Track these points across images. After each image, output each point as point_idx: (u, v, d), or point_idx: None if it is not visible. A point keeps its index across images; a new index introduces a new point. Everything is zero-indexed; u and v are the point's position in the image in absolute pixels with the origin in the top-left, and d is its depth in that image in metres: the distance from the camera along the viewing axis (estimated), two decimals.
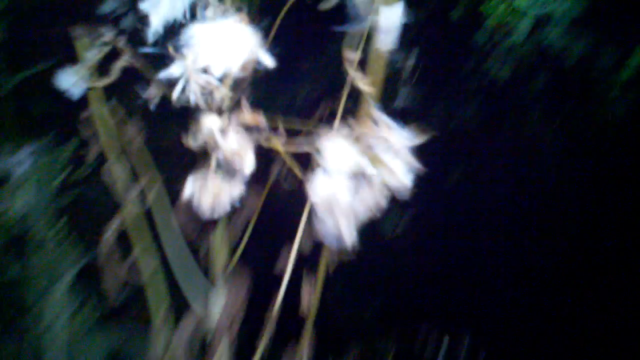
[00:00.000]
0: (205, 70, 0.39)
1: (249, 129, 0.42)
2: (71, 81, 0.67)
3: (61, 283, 1.12)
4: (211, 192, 0.43)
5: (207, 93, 0.40)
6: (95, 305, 1.17)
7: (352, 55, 0.40)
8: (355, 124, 0.40)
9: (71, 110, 0.74)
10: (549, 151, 2.71)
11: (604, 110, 2.60)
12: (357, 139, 0.40)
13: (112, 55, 0.66)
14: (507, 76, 2.71)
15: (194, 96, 0.39)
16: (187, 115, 0.63)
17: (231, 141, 0.41)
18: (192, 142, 0.41)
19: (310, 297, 0.68)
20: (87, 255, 1.13)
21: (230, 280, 0.88)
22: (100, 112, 0.71)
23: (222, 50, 0.38)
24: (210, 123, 0.40)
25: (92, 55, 0.65)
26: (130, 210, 0.76)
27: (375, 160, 0.39)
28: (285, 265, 0.88)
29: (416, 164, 0.40)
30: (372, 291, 2.15)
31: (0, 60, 1.17)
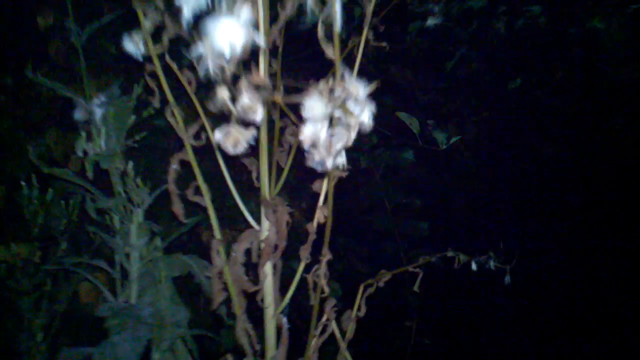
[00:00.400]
0: (219, 53, 0.59)
1: (257, 88, 0.62)
2: (133, 46, 0.88)
3: (139, 212, 1.36)
4: (232, 137, 0.63)
5: (220, 69, 0.60)
6: (162, 237, 1.42)
7: (322, 33, 0.60)
8: (332, 82, 0.61)
9: (131, 61, 0.96)
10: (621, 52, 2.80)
11: None
12: (330, 93, 0.60)
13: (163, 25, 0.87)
14: None
15: (212, 72, 0.59)
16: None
17: (244, 98, 0.61)
18: (212, 106, 0.61)
19: (324, 210, 0.90)
20: (154, 192, 1.37)
21: (277, 201, 1.10)
22: (159, 67, 0.94)
23: (228, 37, 0.58)
24: (222, 93, 0.60)
25: (149, 23, 0.87)
26: (190, 145, 1.00)
27: (343, 107, 0.60)
28: (320, 185, 1.09)
29: (372, 108, 0.60)
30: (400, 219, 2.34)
31: (70, 14, 1.38)
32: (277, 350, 1.10)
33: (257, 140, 1.07)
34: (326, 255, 0.97)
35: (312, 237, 1.05)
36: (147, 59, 0.92)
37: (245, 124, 0.63)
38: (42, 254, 1.51)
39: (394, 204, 2.30)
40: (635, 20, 2.89)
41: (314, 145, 0.61)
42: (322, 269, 0.97)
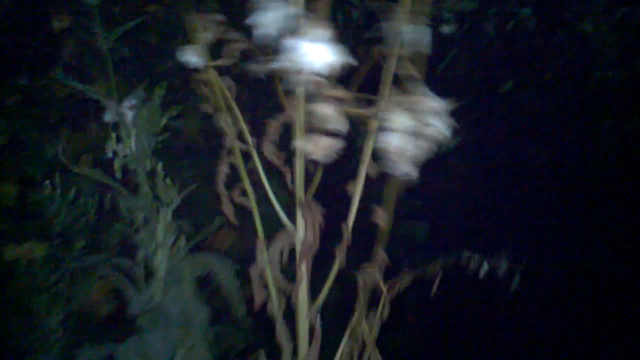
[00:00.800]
0: (302, 69, 0.65)
1: (337, 100, 0.68)
2: (192, 58, 0.94)
3: (164, 212, 1.41)
4: (320, 146, 0.70)
5: (307, 84, 0.66)
6: (188, 237, 1.47)
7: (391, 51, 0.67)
8: (405, 94, 0.67)
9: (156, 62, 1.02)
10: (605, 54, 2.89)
11: None
12: (408, 106, 0.66)
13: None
14: None
15: (298, 86, 0.65)
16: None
17: (326, 109, 0.68)
18: (312, 119, 0.67)
19: (383, 214, 0.95)
20: (182, 194, 1.42)
21: (311, 204, 1.16)
22: (210, 77, 1.00)
23: (314, 55, 0.65)
24: (318, 108, 0.66)
25: (206, 36, 0.92)
26: (235, 149, 1.06)
27: (421, 120, 0.66)
28: (354, 189, 1.15)
29: (451, 123, 0.67)
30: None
31: (99, 20, 1.43)
32: (311, 348, 1.16)
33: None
34: (381, 257, 1.03)
35: (348, 237, 1.11)
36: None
37: (327, 133, 0.70)
38: (60, 252, 1.55)
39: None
40: (623, 24, 2.98)
41: (393, 153, 0.68)
42: (378, 269, 1.03)
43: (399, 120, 0.66)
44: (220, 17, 0.88)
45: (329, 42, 0.66)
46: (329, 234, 1.17)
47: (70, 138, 1.70)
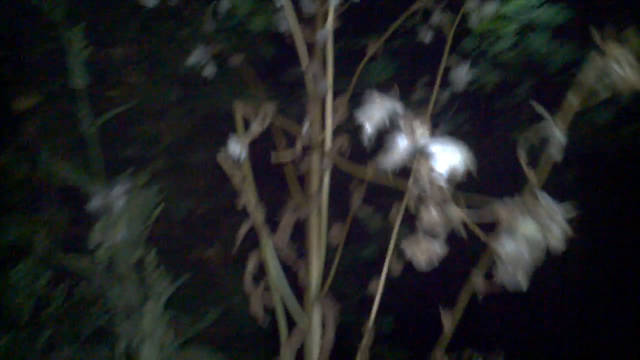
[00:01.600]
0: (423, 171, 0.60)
1: (442, 203, 0.63)
2: (238, 151, 0.87)
3: (151, 307, 1.30)
4: (424, 251, 0.64)
5: (429, 185, 0.60)
6: (179, 331, 1.36)
7: (524, 157, 0.63)
8: (523, 199, 0.62)
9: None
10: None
11: (589, 117, 2.75)
12: (527, 211, 0.62)
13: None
14: (493, 83, 2.92)
15: (422, 186, 0.59)
16: None
17: (432, 213, 0.62)
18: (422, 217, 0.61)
19: (450, 321, 0.88)
20: (173, 285, 1.32)
21: (324, 301, 1.09)
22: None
23: (438, 156, 0.60)
24: (428, 214, 0.60)
25: (253, 128, 0.86)
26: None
27: (542, 226, 0.61)
28: (375, 289, 1.09)
29: (569, 230, 0.62)
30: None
31: (84, 105, 1.33)
32: None
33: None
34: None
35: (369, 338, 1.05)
36: None
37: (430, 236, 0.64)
38: (26, 343, 1.41)
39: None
40: None
41: (510, 260, 0.62)
42: None
43: (523, 225, 0.61)
44: (271, 106, 0.82)
45: (455, 144, 0.60)
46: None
47: (29, 222, 1.58)
